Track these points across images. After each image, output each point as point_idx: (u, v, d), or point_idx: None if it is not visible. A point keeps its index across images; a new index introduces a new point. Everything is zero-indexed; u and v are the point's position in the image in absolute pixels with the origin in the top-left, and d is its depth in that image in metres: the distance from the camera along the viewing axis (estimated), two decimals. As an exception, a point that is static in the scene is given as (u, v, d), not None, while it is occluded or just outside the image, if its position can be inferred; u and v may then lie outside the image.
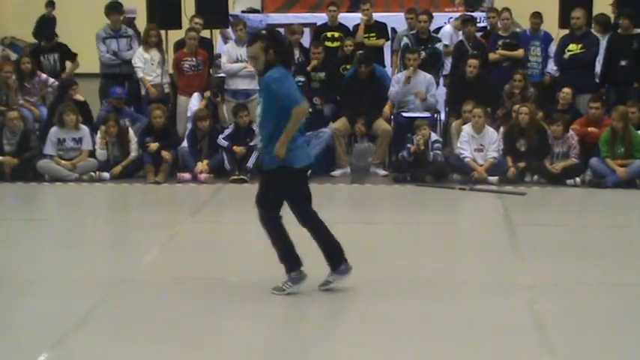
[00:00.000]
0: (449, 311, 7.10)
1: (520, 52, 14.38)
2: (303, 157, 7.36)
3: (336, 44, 14.85)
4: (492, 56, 14.42)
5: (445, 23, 15.74)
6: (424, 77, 13.62)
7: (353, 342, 6.47)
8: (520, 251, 9.02)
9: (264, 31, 7.73)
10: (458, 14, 15.82)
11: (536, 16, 14.65)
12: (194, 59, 14.09)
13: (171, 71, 14.50)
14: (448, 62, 14.85)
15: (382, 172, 13.18)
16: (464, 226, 11.01)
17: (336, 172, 13.12)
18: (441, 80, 14.69)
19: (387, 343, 6.42)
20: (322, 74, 14.12)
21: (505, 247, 9.25)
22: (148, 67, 14.13)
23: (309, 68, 14.25)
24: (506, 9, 14.75)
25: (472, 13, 15.86)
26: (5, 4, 19.20)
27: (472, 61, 13.51)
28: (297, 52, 14.66)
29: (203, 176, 12.70)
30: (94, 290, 7.67)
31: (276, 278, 7.40)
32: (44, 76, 14.46)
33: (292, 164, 7.24)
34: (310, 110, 13.20)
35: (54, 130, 13.06)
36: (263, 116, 7.27)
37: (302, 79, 13.56)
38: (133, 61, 14.19)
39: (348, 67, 14.12)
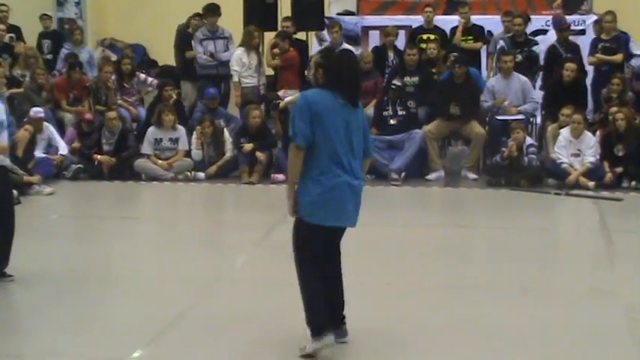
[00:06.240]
0: (543, 317, 6.99)
1: (619, 56, 14.07)
2: (320, 212, 5.90)
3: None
4: (590, 60, 14.18)
5: (543, 26, 15.55)
6: (519, 81, 13.47)
7: (444, 344, 6.43)
8: (617, 258, 8.86)
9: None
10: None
11: None
12: None
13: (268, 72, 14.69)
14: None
15: (472, 175, 13.07)
16: (559, 231, 10.85)
17: (431, 176, 13.03)
18: (537, 83, 14.50)
19: (479, 347, 6.37)
20: (416, 79, 14.00)
21: (601, 253, 9.10)
22: (246, 70, 14.28)
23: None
24: (610, 12, 14.42)
25: (570, 16, 15.64)
26: (106, 5, 19.52)
27: (569, 65, 13.30)
28: (391, 54, 14.70)
29: (296, 177, 12.74)
30: (189, 289, 7.77)
31: (372, 283, 7.35)
32: (143, 75, 14.72)
33: (303, 216, 5.97)
34: (404, 113, 13.22)
35: (151, 130, 13.28)
36: None
37: (398, 83, 13.54)
38: (230, 64, 14.35)
39: (433, 70, 14.13)
